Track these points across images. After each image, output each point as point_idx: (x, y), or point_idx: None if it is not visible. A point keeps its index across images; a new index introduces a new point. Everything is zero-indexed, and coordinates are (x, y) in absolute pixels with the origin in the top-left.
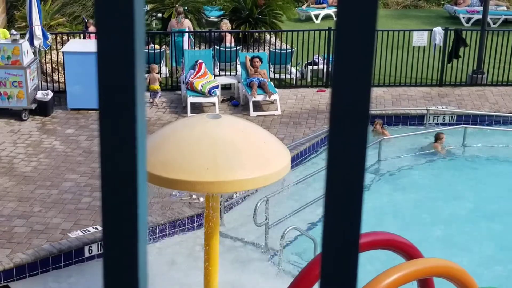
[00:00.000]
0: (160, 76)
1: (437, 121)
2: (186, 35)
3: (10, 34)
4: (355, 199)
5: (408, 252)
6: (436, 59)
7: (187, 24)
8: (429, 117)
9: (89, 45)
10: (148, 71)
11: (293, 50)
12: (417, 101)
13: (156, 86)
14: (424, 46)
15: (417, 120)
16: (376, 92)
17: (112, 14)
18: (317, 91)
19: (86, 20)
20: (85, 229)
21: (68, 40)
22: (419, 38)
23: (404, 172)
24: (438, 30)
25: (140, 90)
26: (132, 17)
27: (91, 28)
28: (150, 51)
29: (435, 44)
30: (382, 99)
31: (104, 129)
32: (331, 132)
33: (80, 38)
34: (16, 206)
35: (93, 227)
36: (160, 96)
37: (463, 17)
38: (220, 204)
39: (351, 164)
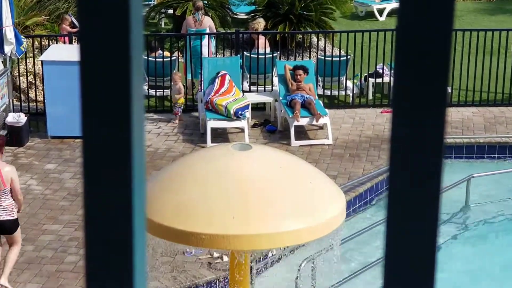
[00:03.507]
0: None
1: None
2: (207, 37)
3: None
4: (425, 266)
5: None
6: None
7: (207, 23)
8: None
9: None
10: (148, 86)
11: (349, 57)
12: None
13: (182, 99)
14: None
15: None
16: (461, 113)
17: (100, 9)
18: (382, 112)
19: (73, 19)
20: None
21: (48, 45)
22: None
23: (502, 223)
24: None
25: (138, 113)
26: (127, 14)
27: (66, 27)
28: (157, 59)
29: None
30: (470, 123)
31: (88, 166)
32: (392, 174)
33: (64, 43)
34: None
35: None
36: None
37: None
38: (251, 265)
39: (419, 216)
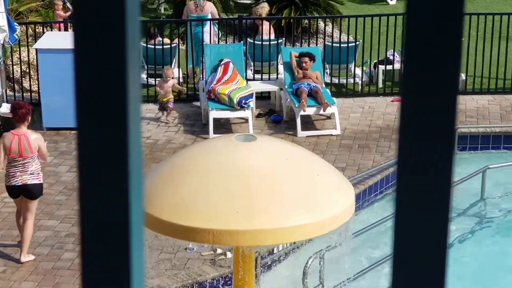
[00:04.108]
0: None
1: None
2: (208, 24)
3: None
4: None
5: None
6: None
7: (209, 9)
8: None
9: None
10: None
11: (357, 43)
12: None
13: (168, 96)
14: None
15: None
16: (476, 101)
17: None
18: (392, 100)
19: (69, 5)
20: None
21: (43, 32)
22: None
23: None
24: None
25: (134, 103)
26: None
27: (60, 12)
28: (157, 46)
29: None
30: (486, 112)
31: (83, 157)
32: (401, 163)
33: (59, 30)
34: None
35: None
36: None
37: None
38: (256, 262)
39: (429, 209)
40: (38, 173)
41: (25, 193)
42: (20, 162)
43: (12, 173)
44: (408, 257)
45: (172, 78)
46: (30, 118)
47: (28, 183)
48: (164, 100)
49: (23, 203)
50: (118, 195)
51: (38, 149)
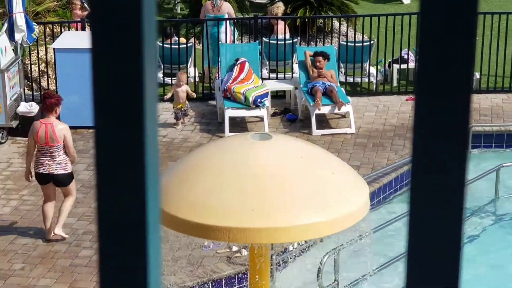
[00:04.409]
0: (187, 81)
1: None
2: (225, 24)
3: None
4: (449, 262)
5: None
6: None
7: (226, 9)
8: None
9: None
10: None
11: (372, 42)
12: None
13: (183, 103)
14: None
15: None
16: (490, 100)
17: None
18: (407, 99)
19: (86, 5)
20: None
21: (61, 32)
22: None
23: None
24: None
25: (151, 102)
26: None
27: (77, 12)
28: (173, 46)
29: None
30: (500, 111)
31: (101, 157)
32: (415, 162)
33: (77, 29)
34: None
35: None
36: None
37: None
38: (271, 260)
39: (443, 208)
40: (66, 163)
41: (54, 182)
42: (47, 151)
43: (41, 161)
44: (423, 256)
45: (185, 83)
46: (58, 109)
47: (55, 173)
48: (180, 106)
49: (61, 190)
50: (135, 196)
51: (64, 139)
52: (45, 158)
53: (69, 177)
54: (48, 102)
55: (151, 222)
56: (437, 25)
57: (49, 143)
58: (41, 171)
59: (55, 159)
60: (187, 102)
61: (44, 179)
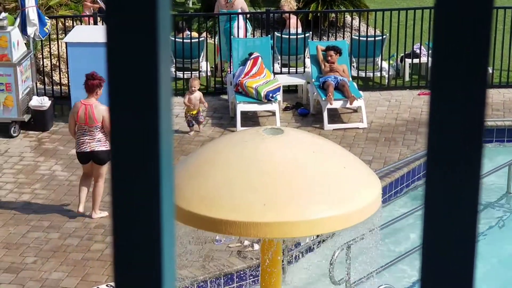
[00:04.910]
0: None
1: None
2: (237, 19)
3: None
4: (463, 257)
5: None
6: None
7: (239, 4)
8: None
9: (103, 33)
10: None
11: (384, 37)
12: None
13: (197, 109)
14: None
15: None
16: (503, 95)
17: None
18: (419, 94)
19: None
20: (96, 287)
21: (73, 26)
22: None
23: None
24: None
25: (166, 96)
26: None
27: (87, 3)
28: (185, 40)
29: None
30: None
31: (116, 150)
32: (430, 157)
33: (89, 24)
34: (2, 255)
35: (107, 286)
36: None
37: None
38: (283, 254)
39: (458, 202)
40: (106, 141)
41: (94, 159)
42: (87, 130)
43: (82, 140)
44: (438, 251)
45: (198, 89)
46: (99, 91)
47: (96, 149)
48: (194, 113)
49: (94, 169)
50: (149, 189)
51: (102, 120)
52: (85, 137)
53: (108, 154)
54: (90, 83)
55: (165, 216)
56: (452, 19)
57: (88, 123)
58: (82, 149)
59: (95, 137)
60: (200, 109)
61: (85, 158)
